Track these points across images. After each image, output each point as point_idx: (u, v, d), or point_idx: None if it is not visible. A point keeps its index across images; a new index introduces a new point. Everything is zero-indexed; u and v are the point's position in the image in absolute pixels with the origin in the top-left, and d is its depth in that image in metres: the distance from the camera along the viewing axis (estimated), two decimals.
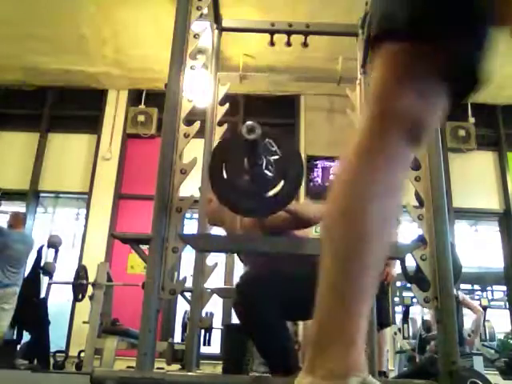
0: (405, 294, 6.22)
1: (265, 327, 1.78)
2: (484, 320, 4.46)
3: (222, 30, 2.81)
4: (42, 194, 6.82)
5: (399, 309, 5.70)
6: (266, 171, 1.45)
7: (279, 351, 1.80)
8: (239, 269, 6.14)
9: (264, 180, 1.47)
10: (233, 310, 5.92)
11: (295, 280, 1.87)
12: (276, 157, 1.47)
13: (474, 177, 6.71)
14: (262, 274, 1.92)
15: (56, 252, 5.64)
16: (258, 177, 1.47)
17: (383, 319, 3.20)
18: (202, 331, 4.34)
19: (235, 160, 1.49)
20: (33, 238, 5.68)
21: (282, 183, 1.49)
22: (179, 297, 4.46)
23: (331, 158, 6.42)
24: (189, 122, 1.71)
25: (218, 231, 2.86)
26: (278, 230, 2.00)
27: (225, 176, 1.50)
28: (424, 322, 4.78)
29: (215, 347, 5.14)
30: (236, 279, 5.90)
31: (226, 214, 2.12)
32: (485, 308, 4.47)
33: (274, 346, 1.79)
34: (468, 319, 4.80)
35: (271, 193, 1.49)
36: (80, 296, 5.20)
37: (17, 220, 5.35)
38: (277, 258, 1.94)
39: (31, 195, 6.59)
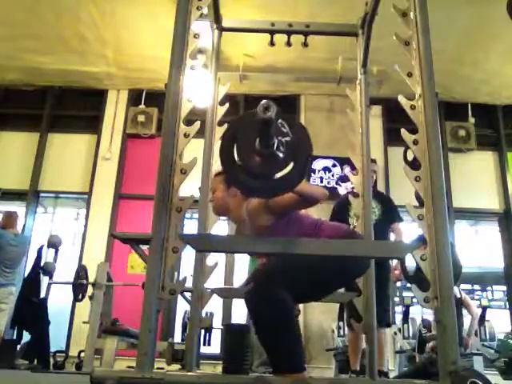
0: (405, 294, 6.22)
1: (278, 320, 1.78)
2: (483, 320, 4.46)
3: (222, 30, 2.81)
4: (41, 194, 6.81)
5: (399, 309, 5.70)
6: (278, 152, 1.47)
7: (288, 348, 1.79)
8: (239, 269, 6.14)
9: (275, 161, 1.48)
10: (236, 309, 5.86)
11: (308, 266, 1.88)
12: (287, 138, 1.49)
13: (474, 177, 6.71)
14: (277, 264, 1.93)
15: (56, 252, 5.64)
16: (268, 158, 1.47)
17: (382, 318, 3.21)
18: (202, 331, 4.35)
19: (246, 140, 1.49)
20: (28, 237, 5.66)
21: (291, 165, 1.51)
22: (179, 297, 4.48)
23: (331, 158, 6.42)
24: (189, 122, 1.71)
25: (217, 231, 2.85)
26: (284, 210, 2.02)
27: (235, 157, 1.50)
28: (424, 320, 4.78)
29: (215, 347, 5.14)
30: (236, 279, 5.88)
31: (231, 201, 2.15)
32: (485, 308, 4.46)
33: (283, 342, 1.78)
34: (468, 320, 4.79)
35: (281, 174, 1.51)
36: (80, 296, 5.20)
37: (9, 220, 5.34)
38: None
39: (31, 195, 6.58)
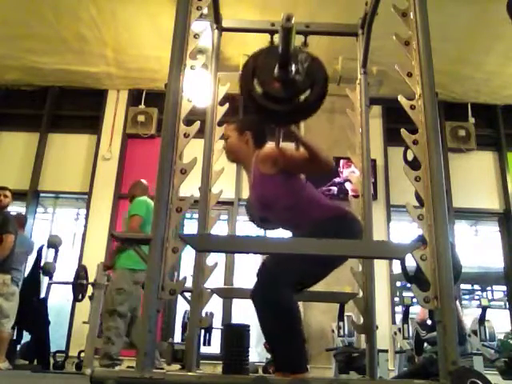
0: (405, 294, 6.22)
1: (284, 322, 1.78)
2: (484, 320, 4.46)
3: (222, 29, 2.80)
4: (41, 194, 6.81)
5: (399, 309, 5.70)
6: (296, 77, 1.55)
7: (292, 349, 1.79)
8: (239, 269, 6.13)
9: (294, 86, 1.56)
10: (236, 309, 5.83)
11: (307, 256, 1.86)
12: (305, 65, 1.58)
13: (474, 177, 6.71)
14: (282, 256, 1.93)
15: (56, 252, 5.64)
16: (288, 83, 1.55)
17: None
18: (202, 331, 4.35)
19: (265, 68, 1.58)
20: (32, 241, 5.65)
21: (309, 91, 1.59)
22: (179, 297, 4.47)
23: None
24: (189, 122, 1.71)
25: (217, 231, 2.86)
26: (291, 166, 2.05)
27: (256, 84, 1.59)
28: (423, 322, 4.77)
29: (215, 347, 5.14)
30: (236, 279, 5.86)
31: (243, 148, 2.22)
32: (485, 308, 4.46)
33: (288, 343, 1.78)
34: (468, 319, 4.79)
35: (300, 98, 1.58)
36: (80, 296, 5.21)
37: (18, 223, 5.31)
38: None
39: (31, 195, 6.58)
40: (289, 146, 2.06)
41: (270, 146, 2.14)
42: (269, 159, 2.08)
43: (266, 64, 1.57)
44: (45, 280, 5.54)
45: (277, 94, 1.55)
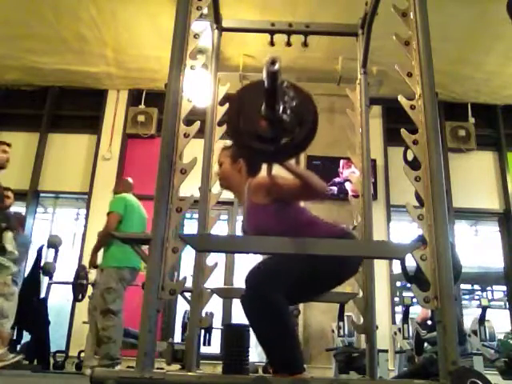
0: (405, 294, 6.23)
1: (274, 324, 1.76)
2: (484, 320, 4.46)
3: (222, 29, 2.80)
4: (41, 194, 6.81)
5: (399, 309, 5.70)
6: (283, 116, 1.48)
7: (286, 350, 1.77)
8: (239, 269, 6.15)
9: (281, 125, 1.50)
10: (236, 309, 5.82)
11: (303, 267, 1.84)
12: (292, 103, 1.51)
13: (474, 177, 6.71)
14: (271, 264, 1.90)
15: (56, 252, 5.64)
16: (275, 122, 1.49)
17: None
18: (202, 331, 4.35)
19: (252, 106, 1.52)
20: (30, 238, 5.68)
21: (297, 129, 1.54)
22: (179, 297, 4.48)
23: (331, 158, 6.41)
24: (189, 121, 1.71)
25: (217, 231, 2.85)
26: (283, 195, 2.01)
27: (242, 123, 1.54)
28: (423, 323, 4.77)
29: (215, 347, 5.14)
30: (236, 279, 5.87)
31: (236, 176, 2.19)
32: (485, 308, 4.46)
33: (281, 344, 1.76)
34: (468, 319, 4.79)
35: (288, 137, 1.53)
36: (80, 296, 5.21)
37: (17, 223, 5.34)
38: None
39: (31, 195, 6.59)
40: (281, 175, 2.00)
41: (262, 175, 2.10)
42: (261, 189, 2.04)
43: (253, 101, 1.52)
44: (45, 280, 5.55)
45: (263, 133, 1.50)
